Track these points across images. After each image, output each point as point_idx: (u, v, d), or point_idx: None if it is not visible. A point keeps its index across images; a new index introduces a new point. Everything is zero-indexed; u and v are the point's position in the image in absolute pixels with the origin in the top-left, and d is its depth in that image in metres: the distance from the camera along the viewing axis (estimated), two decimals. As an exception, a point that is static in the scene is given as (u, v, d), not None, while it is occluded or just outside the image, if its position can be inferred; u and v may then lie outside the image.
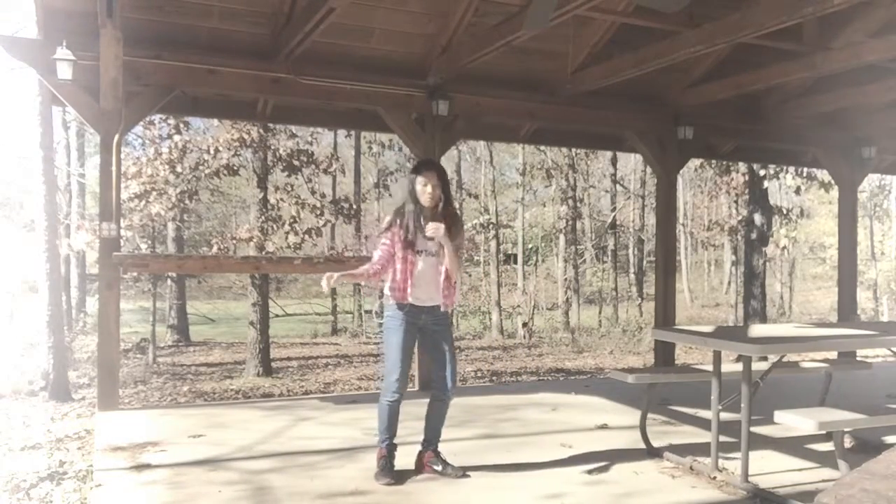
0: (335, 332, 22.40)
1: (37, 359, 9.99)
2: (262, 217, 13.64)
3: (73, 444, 6.14)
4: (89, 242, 11.30)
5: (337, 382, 12.79)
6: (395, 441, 4.07)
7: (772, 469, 4.34)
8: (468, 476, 4.07)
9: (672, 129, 8.26)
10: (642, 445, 4.74)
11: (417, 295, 3.99)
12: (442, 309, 4.06)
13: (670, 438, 5.03)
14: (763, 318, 14.99)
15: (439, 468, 4.09)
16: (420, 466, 4.13)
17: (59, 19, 5.85)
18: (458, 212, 4.31)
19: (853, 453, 4.02)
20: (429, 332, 4.07)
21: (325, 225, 14.75)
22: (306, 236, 13.83)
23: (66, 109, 11.26)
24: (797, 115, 8.68)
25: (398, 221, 4.01)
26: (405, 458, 4.13)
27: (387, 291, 4.04)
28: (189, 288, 21.93)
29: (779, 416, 3.76)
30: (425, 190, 3.98)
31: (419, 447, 4.16)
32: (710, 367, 4.48)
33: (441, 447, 4.18)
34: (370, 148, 21.37)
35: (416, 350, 4.21)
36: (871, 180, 19.07)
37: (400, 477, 4.01)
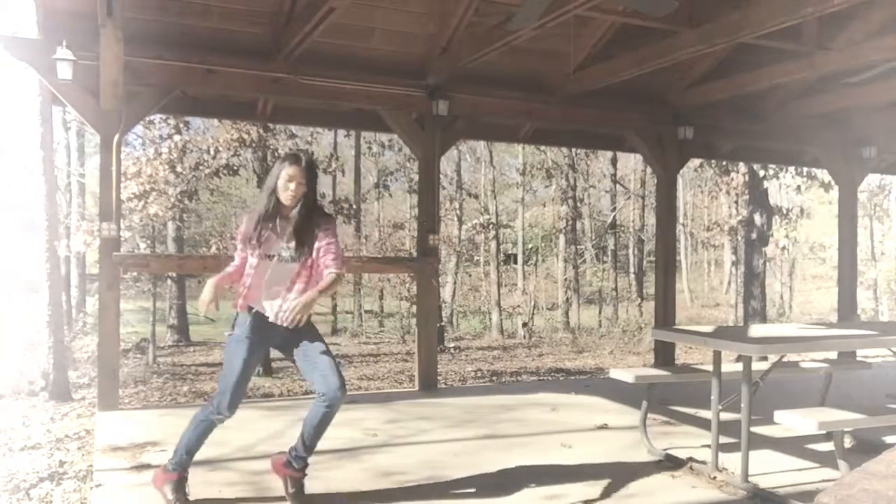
0: (335, 332, 22.38)
1: (37, 359, 9.99)
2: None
3: (73, 444, 6.13)
4: (88, 243, 11.30)
5: (337, 382, 12.76)
6: (395, 443, 3.98)
7: (772, 469, 4.34)
8: None
9: (672, 129, 8.26)
10: (642, 445, 4.74)
11: (268, 303, 3.48)
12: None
13: (670, 438, 5.03)
14: (763, 318, 14.99)
15: (289, 489, 3.59)
16: (275, 466, 3.71)
17: (59, 19, 5.84)
18: (327, 212, 3.72)
19: (853, 453, 4.01)
20: (290, 339, 3.52)
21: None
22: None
23: (66, 109, 11.25)
24: (797, 115, 8.68)
25: (253, 222, 3.51)
26: (405, 457, 4.12)
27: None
28: (189, 288, 21.88)
29: (779, 416, 3.76)
30: (288, 186, 3.45)
31: (421, 447, 4.11)
32: (710, 367, 4.48)
33: (441, 447, 4.16)
34: (370, 148, 21.36)
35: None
36: (871, 180, 19.06)
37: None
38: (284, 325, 3.41)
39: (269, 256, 3.48)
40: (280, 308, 3.46)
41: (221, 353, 18.96)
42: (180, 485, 3.58)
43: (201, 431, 3.58)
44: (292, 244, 3.48)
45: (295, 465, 3.59)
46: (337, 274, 3.48)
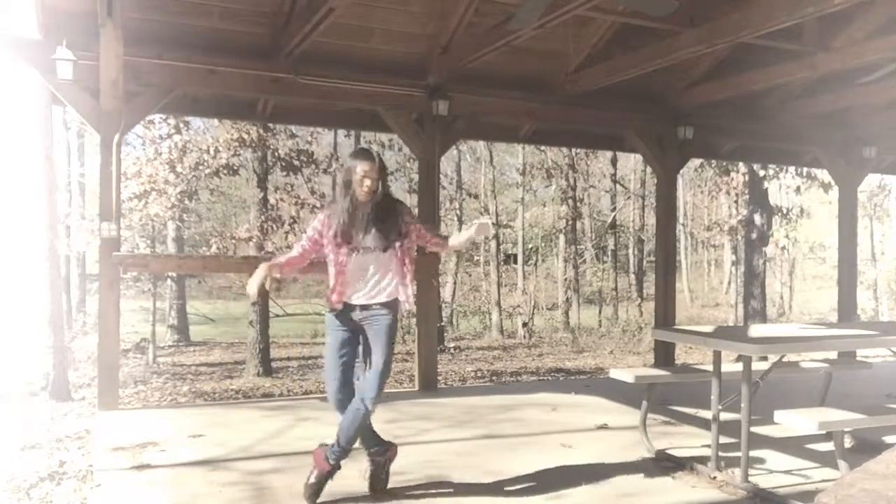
0: (335, 331, 22.36)
1: (37, 359, 9.98)
2: (262, 217, 13.64)
3: (73, 444, 6.13)
4: (88, 242, 11.31)
5: (337, 382, 12.76)
6: (395, 443, 3.96)
7: (772, 469, 4.35)
8: None
9: (672, 129, 8.26)
10: (642, 445, 4.74)
11: (351, 294, 3.69)
12: (381, 304, 3.69)
13: (670, 438, 5.03)
14: (763, 318, 14.99)
15: (312, 480, 3.69)
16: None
17: (59, 19, 5.84)
18: (396, 199, 3.86)
19: (853, 453, 4.01)
20: (365, 331, 3.72)
21: (324, 225, 14.72)
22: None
23: (66, 109, 11.26)
24: (797, 115, 8.68)
25: (328, 219, 3.70)
26: (405, 457, 4.12)
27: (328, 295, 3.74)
28: (189, 288, 21.90)
29: (779, 416, 3.76)
30: (364, 182, 3.61)
31: (421, 447, 4.11)
32: (710, 367, 4.48)
33: (441, 447, 4.16)
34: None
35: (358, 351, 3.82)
36: (871, 180, 19.04)
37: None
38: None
39: (354, 250, 3.65)
40: (371, 291, 3.67)
41: (221, 353, 19.00)
42: (324, 477, 3.69)
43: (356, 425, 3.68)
44: (375, 234, 3.65)
45: (329, 459, 3.68)
46: (444, 238, 3.92)
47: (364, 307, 3.69)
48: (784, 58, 6.85)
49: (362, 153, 3.72)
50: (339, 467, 3.72)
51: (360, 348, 3.75)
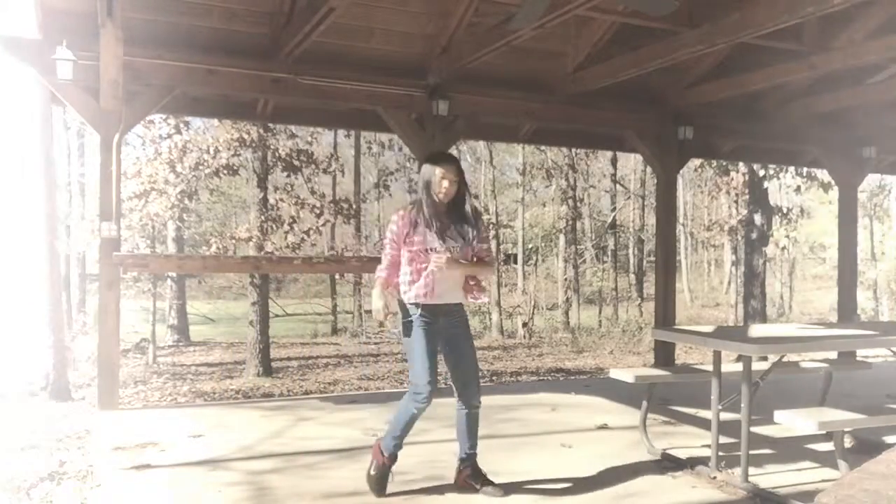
0: (335, 332, 22.39)
1: (37, 359, 9.99)
2: (262, 217, 13.64)
3: (73, 444, 6.12)
4: (88, 242, 11.32)
5: (337, 382, 12.79)
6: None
7: (772, 469, 4.34)
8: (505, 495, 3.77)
9: (672, 129, 8.26)
10: (642, 445, 4.74)
11: (436, 293, 3.71)
12: (461, 306, 3.83)
13: (670, 438, 5.03)
14: (763, 318, 14.99)
15: (477, 486, 3.81)
16: (458, 481, 3.89)
17: (59, 19, 5.85)
18: (477, 209, 3.93)
19: (853, 453, 4.01)
20: (447, 333, 3.79)
21: (324, 225, 14.75)
22: (305, 236, 13.83)
23: (66, 109, 11.26)
24: (797, 115, 8.68)
25: (409, 218, 3.74)
26: (406, 457, 4.12)
27: (404, 289, 3.77)
28: (189, 288, 21.91)
29: (779, 416, 3.76)
30: (442, 184, 3.70)
31: (421, 447, 4.12)
32: (710, 367, 4.48)
33: (441, 447, 4.16)
34: (370, 148, 21.35)
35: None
36: (871, 180, 19.05)
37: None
38: (434, 267, 3.64)
39: (432, 250, 3.68)
40: (452, 293, 3.75)
41: (221, 353, 18.99)
42: (383, 470, 3.78)
43: (409, 421, 3.75)
44: (452, 235, 3.72)
45: (474, 462, 3.83)
46: (488, 262, 3.87)
47: (447, 307, 3.76)
48: (784, 58, 6.85)
49: (443, 157, 3.89)
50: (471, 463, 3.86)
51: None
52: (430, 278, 3.67)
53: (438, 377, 3.76)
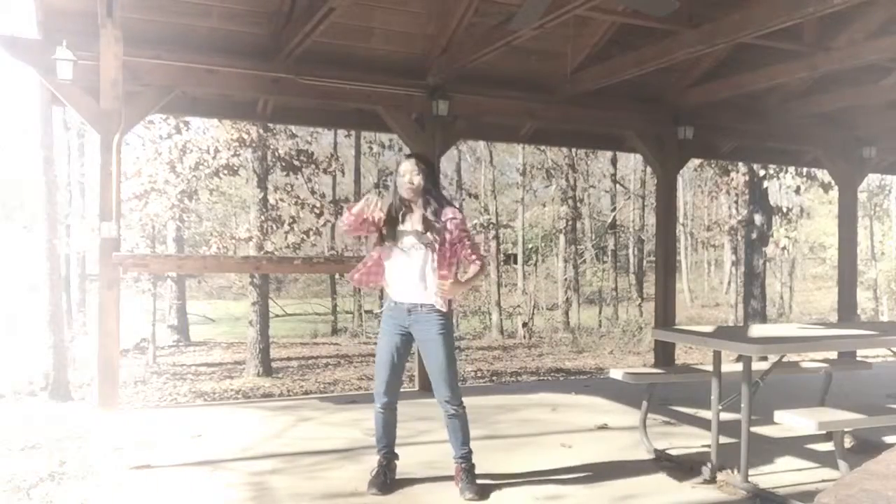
0: (335, 332, 22.40)
1: (37, 358, 9.99)
2: (262, 217, 13.64)
3: (73, 444, 6.12)
4: (88, 242, 11.33)
5: (337, 382, 12.79)
6: (395, 443, 3.99)
7: (772, 469, 4.35)
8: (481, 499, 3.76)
9: (672, 129, 8.26)
10: (642, 445, 4.74)
11: (398, 291, 3.79)
12: (429, 306, 3.74)
13: (670, 438, 5.03)
14: (763, 318, 14.99)
15: (460, 485, 3.83)
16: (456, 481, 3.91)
17: (59, 19, 5.84)
18: (454, 204, 3.96)
19: (853, 453, 4.01)
20: (418, 335, 3.81)
21: (324, 225, 14.76)
22: (305, 236, 13.83)
23: (66, 109, 11.26)
24: (797, 114, 8.68)
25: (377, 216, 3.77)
26: (406, 457, 4.12)
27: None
28: (189, 288, 21.90)
29: (779, 416, 3.76)
30: (402, 180, 3.75)
31: (421, 447, 4.13)
32: (710, 367, 4.48)
33: (441, 447, 4.16)
34: (370, 148, 21.37)
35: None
36: (871, 180, 19.07)
37: (392, 486, 3.86)
38: (434, 298, 3.69)
39: (398, 247, 3.75)
40: (415, 291, 3.74)
41: (221, 353, 19.02)
42: (381, 469, 3.87)
43: (377, 424, 3.88)
44: (418, 232, 3.73)
45: (462, 463, 3.88)
46: (480, 265, 3.84)
47: (411, 306, 3.78)
48: (784, 58, 6.85)
49: (407, 154, 3.97)
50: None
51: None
52: (390, 273, 3.81)
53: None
